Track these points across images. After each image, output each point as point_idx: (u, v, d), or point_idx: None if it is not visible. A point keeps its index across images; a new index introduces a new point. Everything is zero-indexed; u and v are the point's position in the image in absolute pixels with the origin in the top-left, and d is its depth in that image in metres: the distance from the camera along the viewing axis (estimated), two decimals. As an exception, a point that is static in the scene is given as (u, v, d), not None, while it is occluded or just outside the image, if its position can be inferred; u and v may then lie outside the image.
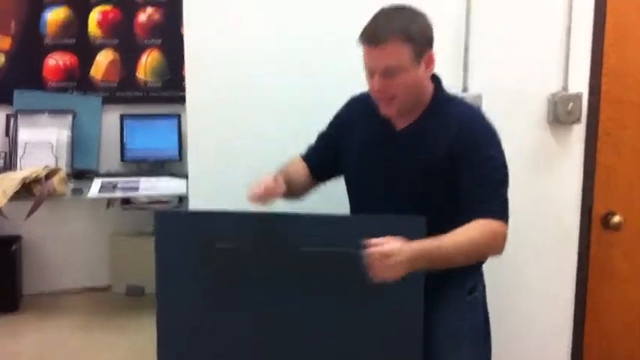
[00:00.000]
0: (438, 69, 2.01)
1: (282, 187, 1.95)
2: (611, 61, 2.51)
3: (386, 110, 1.93)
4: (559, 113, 2.47)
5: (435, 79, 2.00)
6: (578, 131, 2.52)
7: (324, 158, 2.14)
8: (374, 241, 1.72)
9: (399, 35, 1.83)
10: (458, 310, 2.01)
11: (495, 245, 1.86)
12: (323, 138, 2.16)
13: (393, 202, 1.96)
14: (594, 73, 2.51)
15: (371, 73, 1.89)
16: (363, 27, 1.88)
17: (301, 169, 2.13)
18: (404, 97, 1.90)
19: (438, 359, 2.00)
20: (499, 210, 1.86)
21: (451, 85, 2.39)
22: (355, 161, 2.06)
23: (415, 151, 1.94)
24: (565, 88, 2.48)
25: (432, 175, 1.91)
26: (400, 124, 1.97)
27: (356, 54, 1.91)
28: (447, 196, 1.91)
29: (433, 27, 1.91)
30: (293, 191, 2.05)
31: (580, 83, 2.49)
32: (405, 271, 1.73)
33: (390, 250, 1.71)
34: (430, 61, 1.91)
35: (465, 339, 2.03)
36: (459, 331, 2.01)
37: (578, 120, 2.49)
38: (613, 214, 2.55)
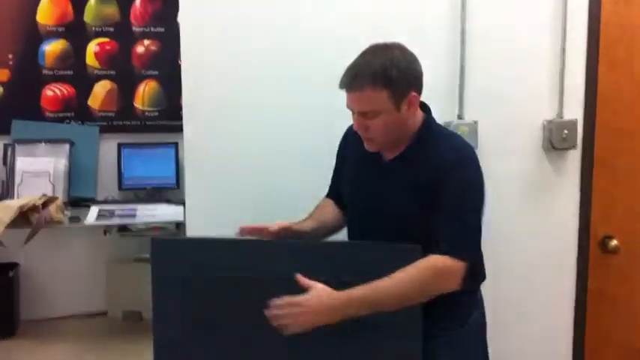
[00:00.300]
0: (434, 97, 2.02)
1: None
2: (605, 88, 2.53)
3: (369, 147, 1.96)
4: (554, 140, 2.48)
5: (425, 108, 2.01)
6: (574, 157, 2.54)
7: (340, 189, 2.17)
8: (303, 282, 1.81)
9: (375, 83, 1.83)
10: (452, 339, 1.99)
11: (441, 283, 1.85)
12: (334, 171, 2.21)
13: (383, 229, 1.98)
14: (589, 100, 2.53)
15: (352, 112, 1.93)
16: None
17: (328, 206, 2.18)
18: (383, 138, 1.92)
19: None
20: (454, 247, 1.84)
21: (447, 113, 2.43)
22: (348, 189, 2.10)
23: (401, 182, 1.95)
24: (560, 115, 2.50)
25: (417, 205, 1.91)
26: (388, 155, 1.99)
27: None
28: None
29: (420, 64, 1.90)
30: (329, 226, 2.12)
31: (575, 110, 2.51)
32: (315, 322, 1.79)
33: (296, 301, 1.79)
34: (413, 102, 1.89)
35: None
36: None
37: (573, 146, 2.51)
38: (610, 237, 2.56)
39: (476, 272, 2.01)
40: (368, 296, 1.79)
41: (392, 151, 1.98)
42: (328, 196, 2.23)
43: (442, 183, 1.87)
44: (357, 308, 1.80)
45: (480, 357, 2.09)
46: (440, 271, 1.83)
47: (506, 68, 2.47)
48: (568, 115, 2.50)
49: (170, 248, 2.05)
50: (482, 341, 2.11)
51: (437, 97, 2.43)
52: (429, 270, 1.82)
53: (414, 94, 1.88)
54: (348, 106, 1.92)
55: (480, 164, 1.94)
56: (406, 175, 1.94)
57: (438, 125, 2.05)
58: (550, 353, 2.57)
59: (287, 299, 1.80)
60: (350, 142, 2.11)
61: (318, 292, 1.81)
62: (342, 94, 1.91)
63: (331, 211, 2.17)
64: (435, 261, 1.83)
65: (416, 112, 1.94)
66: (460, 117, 2.45)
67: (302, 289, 1.82)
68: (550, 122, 2.49)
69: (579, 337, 2.59)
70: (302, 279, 1.84)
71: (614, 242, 2.57)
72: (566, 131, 2.48)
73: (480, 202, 1.92)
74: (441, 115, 2.43)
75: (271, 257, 1.95)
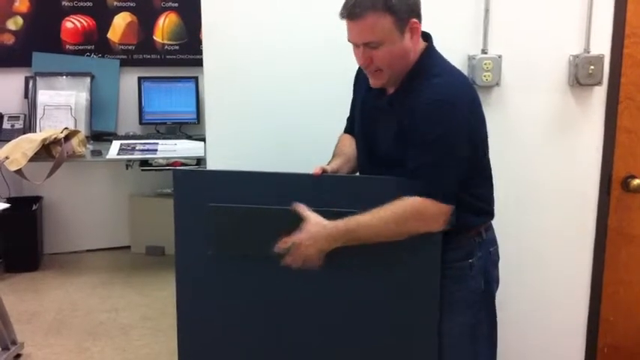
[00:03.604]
0: (458, 30, 1.97)
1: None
2: (634, 23, 2.47)
3: (374, 82, 1.93)
4: (580, 75, 2.44)
5: (427, 38, 1.96)
6: (599, 94, 2.49)
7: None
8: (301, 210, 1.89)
9: (375, 7, 1.80)
10: (451, 276, 1.99)
11: (415, 222, 1.86)
12: (351, 106, 2.18)
13: (376, 166, 1.99)
14: (617, 35, 2.47)
15: (355, 46, 1.89)
16: None
17: (347, 139, 2.16)
18: (389, 68, 1.88)
19: None
20: (430, 189, 1.84)
21: (471, 47, 2.39)
22: (356, 125, 2.10)
23: (390, 126, 1.93)
24: (587, 49, 2.45)
25: (403, 147, 1.89)
26: (390, 91, 1.96)
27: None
28: None
29: None
30: (355, 160, 2.10)
31: (602, 45, 2.46)
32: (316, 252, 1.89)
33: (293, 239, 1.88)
34: (415, 29, 1.86)
35: (459, 303, 2.02)
36: (451, 295, 2.00)
37: (599, 82, 2.46)
38: (633, 177, 2.54)
39: (479, 213, 2.01)
40: (350, 230, 1.87)
41: (394, 86, 1.95)
42: (348, 131, 2.20)
43: (415, 124, 1.85)
44: (346, 240, 1.88)
45: (481, 290, 2.05)
46: (412, 211, 1.85)
47: (532, 2, 2.41)
48: (595, 51, 2.45)
49: (192, 180, 2.06)
50: (485, 279, 2.06)
51: (461, 30, 2.40)
52: (401, 209, 1.85)
53: (414, 20, 1.85)
54: (350, 40, 1.88)
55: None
56: (393, 118, 1.92)
57: (435, 58, 1.96)
58: (568, 289, 2.59)
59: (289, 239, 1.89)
60: (361, 78, 2.08)
61: (309, 225, 1.88)
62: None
63: (351, 144, 2.15)
64: (410, 202, 1.85)
65: (418, 41, 1.90)
66: (484, 51, 2.41)
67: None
68: (576, 57, 2.44)
69: (597, 274, 2.59)
70: (300, 207, 1.90)
71: (636, 181, 2.54)
72: (592, 67, 2.43)
73: (455, 146, 1.87)
74: (465, 48, 2.40)
75: (290, 189, 1.97)
